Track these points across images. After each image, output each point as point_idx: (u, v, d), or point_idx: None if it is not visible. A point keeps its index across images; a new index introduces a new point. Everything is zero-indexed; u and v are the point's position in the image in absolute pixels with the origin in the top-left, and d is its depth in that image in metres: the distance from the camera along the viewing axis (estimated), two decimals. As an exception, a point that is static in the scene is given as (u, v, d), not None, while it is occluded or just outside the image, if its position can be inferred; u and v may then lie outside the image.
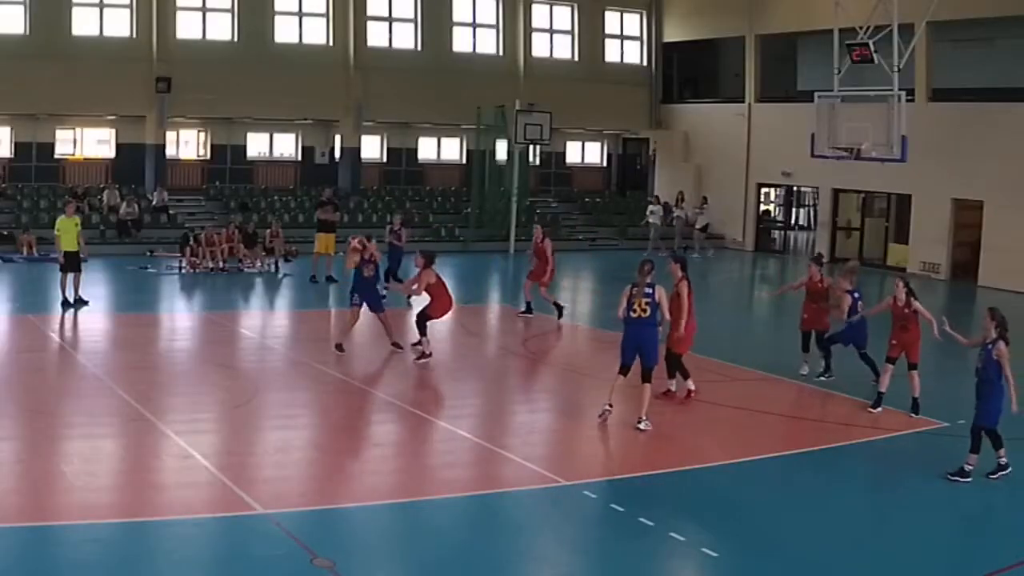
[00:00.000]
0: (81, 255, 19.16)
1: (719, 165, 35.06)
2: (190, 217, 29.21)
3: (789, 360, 15.69)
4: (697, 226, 32.82)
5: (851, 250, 32.10)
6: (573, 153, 38.66)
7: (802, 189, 35.23)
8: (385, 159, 35.04)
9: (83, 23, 28.99)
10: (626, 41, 37.32)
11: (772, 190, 36.15)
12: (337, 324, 17.06)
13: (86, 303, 19.03)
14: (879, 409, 13.22)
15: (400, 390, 13.92)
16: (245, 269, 24.77)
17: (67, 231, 19.03)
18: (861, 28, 24.83)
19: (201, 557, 8.31)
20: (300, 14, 31.86)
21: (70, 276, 18.95)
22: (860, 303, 14.40)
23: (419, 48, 33.39)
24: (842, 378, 14.96)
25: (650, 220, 32.55)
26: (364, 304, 15.99)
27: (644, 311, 12.01)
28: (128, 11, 29.50)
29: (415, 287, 15.87)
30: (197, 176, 32.29)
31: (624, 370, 12.21)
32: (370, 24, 32.65)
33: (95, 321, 18.51)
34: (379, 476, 10.59)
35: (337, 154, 33.37)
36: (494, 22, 34.73)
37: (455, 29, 34.05)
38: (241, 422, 12.21)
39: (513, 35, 34.79)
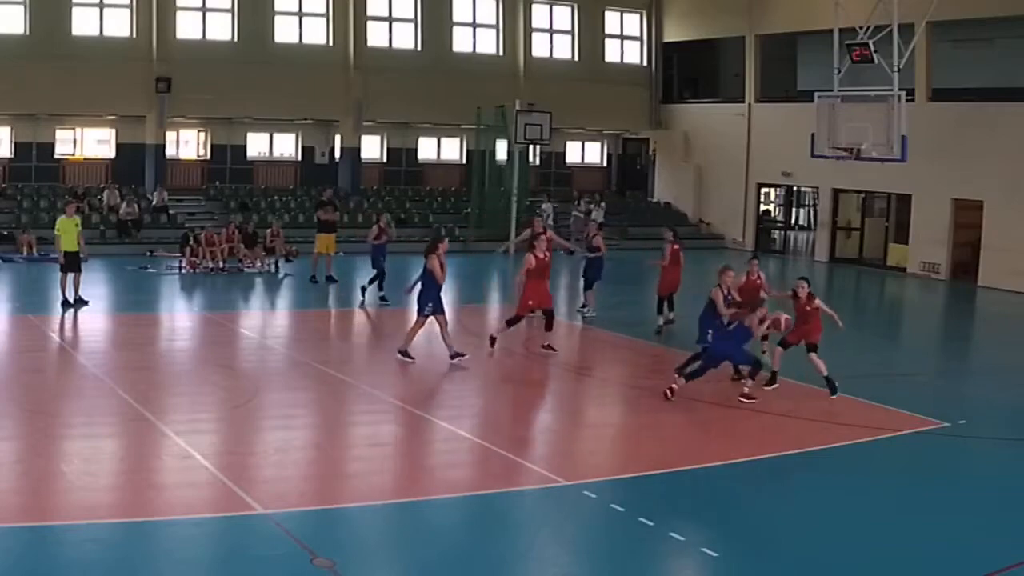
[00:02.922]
0: (81, 255, 19.15)
1: (719, 165, 35.08)
2: (190, 217, 29.20)
3: (788, 360, 15.67)
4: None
5: (851, 250, 32.19)
6: (573, 153, 38.70)
7: (802, 189, 35.24)
8: (385, 159, 35.07)
9: (83, 23, 29.03)
10: (626, 41, 37.34)
11: (772, 190, 36.18)
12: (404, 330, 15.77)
13: (86, 303, 19.02)
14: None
15: (400, 390, 13.92)
16: (245, 269, 24.77)
17: (67, 231, 19.02)
18: (861, 28, 24.83)
19: (201, 557, 8.31)
20: (300, 14, 31.89)
21: (70, 276, 18.94)
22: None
23: (419, 48, 33.41)
24: (843, 379, 14.96)
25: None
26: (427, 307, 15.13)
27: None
28: (128, 11, 29.53)
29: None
30: (197, 176, 32.32)
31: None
32: (370, 24, 32.67)
33: (95, 321, 18.50)
34: (379, 476, 10.58)
35: (337, 154, 33.38)
36: (494, 22, 34.75)
37: (455, 29, 34.07)
38: (241, 422, 12.20)
39: (513, 35, 34.80)
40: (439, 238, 15.72)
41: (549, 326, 16.40)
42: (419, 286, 15.23)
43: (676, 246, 18.90)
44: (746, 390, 13.44)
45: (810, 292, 14.26)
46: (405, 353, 15.19)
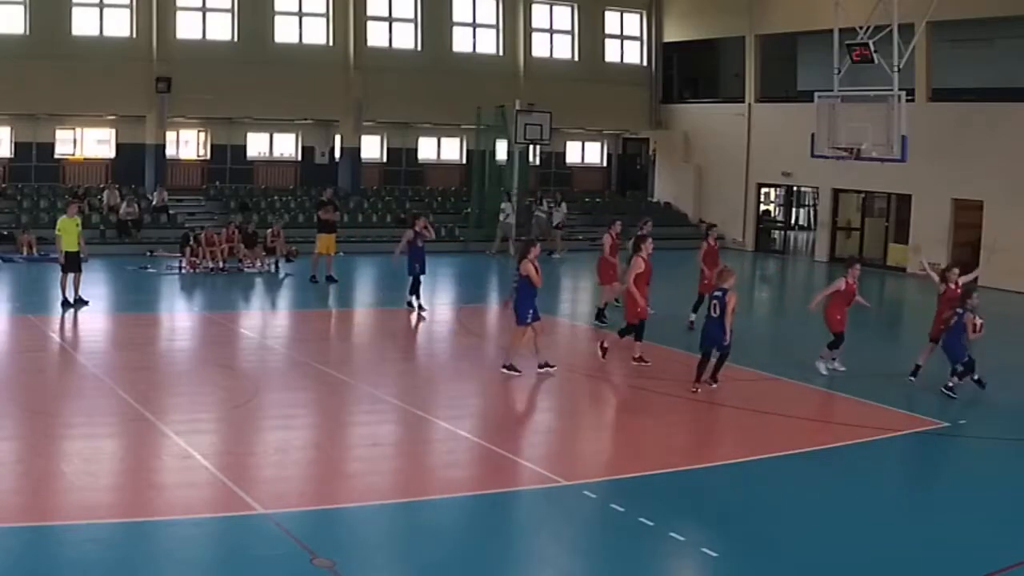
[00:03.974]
0: (81, 255, 19.15)
1: (719, 165, 35.07)
2: (190, 217, 29.20)
3: (788, 359, 15.68)
4: (554, 224, 31.16)
5: (851, 250, 32.17)
6: (573, 153, 38.68)
7: (802, 189, 35.24)
8: (385, 159, 35.06)
9: (83, 23, 29.02)
10: (626, 41, 37.33)
11: (772, 190, 36.17)
12: (511, 343, 15.15)
13: (86, 303, 19.02)
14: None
15: (400, 390, 13.92)
16: (245, 269, 24.77)
17: (68, 231, 19.02)
18: (861, 28, 24.83)
19: (201, 557, 8.31)
20: (300, 14, 31.88)
21: (70, 276, 18.94)
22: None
23: (419, 48, 33.41)
24: (843, 378, 14.98)
25: (501, 219, 30.64)
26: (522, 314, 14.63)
27: (714, 311, 13.87)
28: (128, 11, 29.53)
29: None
30: (197, 176, 32.31)
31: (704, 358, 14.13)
32: (370, 24, 32.66)
33: (95, 321, 18.50)
34: (379, 476, 10.58)
35: (337, 154, 33.38)
36: (494, 22, 34.74)
37: (455, 29, 34.06)
38: (241, 422, 12.20)
39: (513, 35, 34.80)
40: (531, 242, 15.15)
41: (639, 336, 15.59)
42: (515, 296, 14.76)
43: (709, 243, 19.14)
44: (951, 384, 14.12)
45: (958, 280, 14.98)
46: (511, 367, 14.59)
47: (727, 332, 13.82)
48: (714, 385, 14.07)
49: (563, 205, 31.79)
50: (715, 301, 13.90)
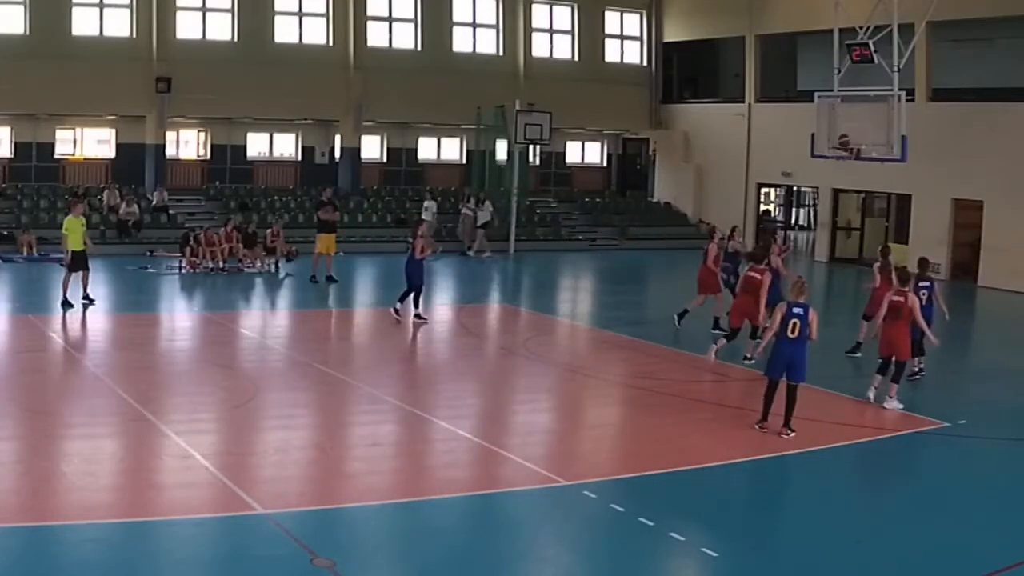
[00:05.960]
0: (88, 253, 19.18)
1: (719, 165, 35.08)
2: (190, 217, 29.19)
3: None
4: (479, 223, 30.45)
5: (851, 250, 32.20)
6: (573, 153, 38.68)
7: (802, 189, 35.25)
8: (385, 159, 35.06)
9: (83, 23, 29.01)
10: (626, 41, 37.33)
11: (772, 190, 36.18)
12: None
13: (92, 301, 19.03)
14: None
15: (400, 390, 13.92)
16: (245, 269, 24.77)
17: (74, 230, 19.05)
18: (861, 28, 24.84)
19: (201, 557, 8.31)
20: (300, 14, 31.88)
21: (77, 275, 18.94)
22: None
23: (419, 48, 33.41)
24: (843, 378, 14.98)
25: (424, 216, 29.42)
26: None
27: (792, 331, 11.85)
28: (128, 11, 29.52)
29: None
30: (197, 176, 32.31)
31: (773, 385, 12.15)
32: (370, 24, 32.66)
33: (95, 321, 18.49)
34: (379, 476, 10.57)
35: (337, 154, 33.38)
36: (494, 22, 34.74)
37: (455, 29, 34.06)
38: (241, 422, 12.20)
39: (513, 35, 34.80)
40: (769, 242, 17.74)
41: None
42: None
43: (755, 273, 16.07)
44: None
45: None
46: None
47: (806, 360, 12.03)
48: (791, 434, 11.91)
49: (486, 204, 30.77)
50: (795, 319, 11.79)
